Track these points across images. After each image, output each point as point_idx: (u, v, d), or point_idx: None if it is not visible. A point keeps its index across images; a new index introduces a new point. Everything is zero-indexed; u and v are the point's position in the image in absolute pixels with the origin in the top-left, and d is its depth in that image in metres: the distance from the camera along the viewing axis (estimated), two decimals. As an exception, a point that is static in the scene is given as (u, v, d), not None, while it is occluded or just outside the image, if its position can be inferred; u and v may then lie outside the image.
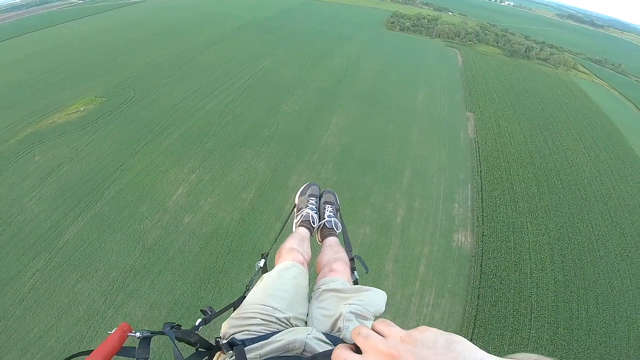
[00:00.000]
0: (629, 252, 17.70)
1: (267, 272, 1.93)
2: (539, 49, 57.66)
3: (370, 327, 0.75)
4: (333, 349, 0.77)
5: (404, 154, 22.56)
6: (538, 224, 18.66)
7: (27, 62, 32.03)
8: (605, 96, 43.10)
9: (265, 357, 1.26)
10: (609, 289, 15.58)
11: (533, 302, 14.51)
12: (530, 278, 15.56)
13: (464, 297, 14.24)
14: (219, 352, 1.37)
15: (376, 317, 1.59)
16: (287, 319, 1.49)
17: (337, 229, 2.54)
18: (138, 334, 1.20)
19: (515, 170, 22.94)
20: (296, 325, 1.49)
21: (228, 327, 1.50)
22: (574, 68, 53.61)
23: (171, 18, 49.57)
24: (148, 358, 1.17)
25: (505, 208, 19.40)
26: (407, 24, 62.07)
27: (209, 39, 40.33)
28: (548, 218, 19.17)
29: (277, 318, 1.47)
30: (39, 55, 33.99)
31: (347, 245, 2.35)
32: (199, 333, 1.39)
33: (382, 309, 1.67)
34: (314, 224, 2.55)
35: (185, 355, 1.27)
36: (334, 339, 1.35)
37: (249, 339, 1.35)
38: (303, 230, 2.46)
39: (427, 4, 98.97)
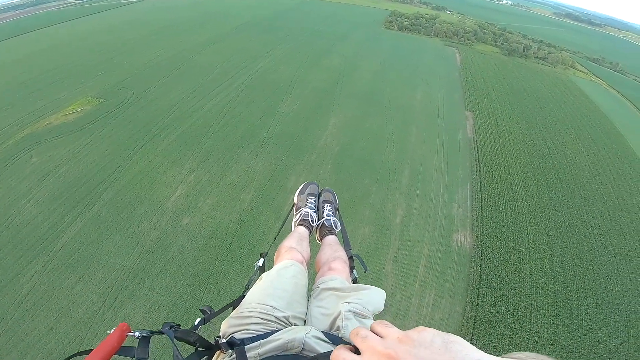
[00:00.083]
0: (628, 251, 17.75)
1: (266, 271, 1.93)
2: (537, 48, 57.88)
3: (369, 327, 0.76)
4: (333, 350, 0.77)
5: (402, 153, 22.59)
6: (537, 223, 18.71)
7: (24, 63, 31.90)
8: (603, 95, 43.28)
9: (264, 356, 1.26)
10: (609, 288, 15.62)
11: (533, 302, 14.54)
12: (530, 278, 15.60)
13: (464, 297, 14.26)
14: (218, 352, 1.37)
15: (375, 316, 1.59)
16: (286, 317, 1.49)
17: (336, 228, 2.54)
18: (137, 334, 1.20)
19: (514, 169, 23.00)
20: (295, 324, 1.49)
21: (227, 327, 1.50)
22: (572, 67, 53.81)
23: (169, 18, 49.51)
24: (147, 358, 1.17)
25: (505, 207, 19.44)
26: (405, 23, 62.20)
27: (207, 39, 40.31)
28: (547, 217, 19.22)
29: (276, 317, 1.47)
30: (35, 56, 33.87)
31: (346, 244, 2.35)
32: (199, 332, 1.39)
33: (381, 307, 1.67)
34: (313, 222, 2.55)
35: (185, 354, 1.27)
36: (333, 338, 1.35)
37: (248, 338, 1.34)
38: (302, 229, 2.46)
39: (425, 3, 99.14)
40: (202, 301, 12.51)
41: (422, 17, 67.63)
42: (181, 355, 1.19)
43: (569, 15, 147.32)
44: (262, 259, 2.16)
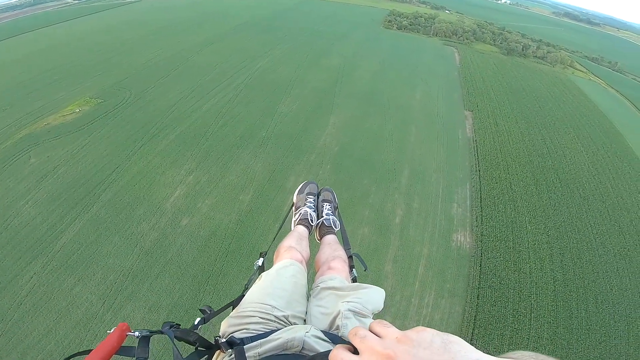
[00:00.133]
0: (628, 250, 17.78)
1: (265, 270, 1.92)
2: (535, 47, 57.98)
3: (368, 327, 0.76)
4: (331, 350, 0.77)
5: (402, 153, 22.59)
6: (537, 223, 18.72)
7: (23, 63, 31.87)
8: (602, 94, 43.36)
9: (263, 356, 1.26)
10: (608, 288, 15.64)
11: (532, 302, 14.55)
12: (530, 277, 15.61)
13: (464, 297, 14.26)
14: (218, 351, 1.37)
15: (375, 315, 1.58)
16: (286, 317, 1.49)
17: (335, 227, 2.53)
18: (137, 333, 1.20)
19: (514, 169, 23.02)
20: (295, 324, 1.49)
21: (227, 326, 1.49)
22: (570, 66, 53.90)
23: (167, 18, 49.49)
24: (147, 358, 1.17)
25: (504, 207, 19.46)
26: (404, 22, 62.28)
27: (205, 39, 40.29)
28: (547, 217, 19.24)
29: (275, 316, 1.47)
30: (34, 56, 33.83)
31: (345, 243, 2.34)
32: (198, 332, 1.39)
33: (381, 306, 1.67)
34: (312, 222, 2.54)
35: (185, 354, 1.27)
36: (333, 337, 1.35)
37: (247, 337, 1.34)
38: (301, 229, 2.45)
39: (424, 3, 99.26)
40: (201, 302, 12.48)
41: (421, 17, 67.73)
42: (181, 355, 1.19)
43: (567, 14, 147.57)
44: (261, 259, 2.16)
